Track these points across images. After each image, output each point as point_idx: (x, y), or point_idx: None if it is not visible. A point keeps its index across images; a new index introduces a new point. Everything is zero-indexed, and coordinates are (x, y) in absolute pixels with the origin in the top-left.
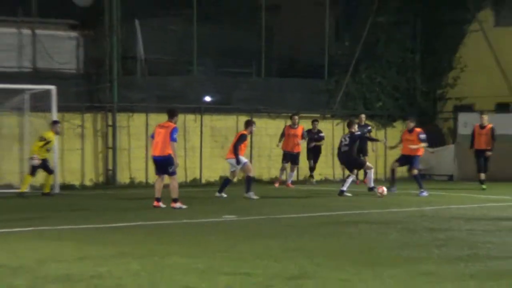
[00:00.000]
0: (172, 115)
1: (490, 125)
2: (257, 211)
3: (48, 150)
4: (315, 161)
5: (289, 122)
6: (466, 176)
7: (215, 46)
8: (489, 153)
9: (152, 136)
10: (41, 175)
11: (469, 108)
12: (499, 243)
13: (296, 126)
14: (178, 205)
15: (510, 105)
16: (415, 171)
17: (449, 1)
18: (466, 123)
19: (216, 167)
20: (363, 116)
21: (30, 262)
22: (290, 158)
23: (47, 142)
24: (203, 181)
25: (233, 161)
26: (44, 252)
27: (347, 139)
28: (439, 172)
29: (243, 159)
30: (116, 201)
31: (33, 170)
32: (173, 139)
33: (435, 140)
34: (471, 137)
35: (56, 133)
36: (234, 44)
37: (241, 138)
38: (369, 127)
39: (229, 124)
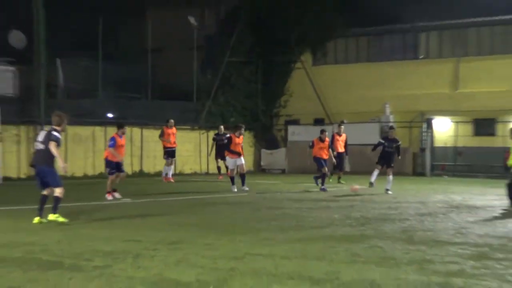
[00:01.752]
0: (117, 127)
1: (344, 134)
2: (147, 195)
3: None
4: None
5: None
6: (294, 170)
7: (115, 77)
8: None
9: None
10: None
11: (295, 122)
12: (317, 217)
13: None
14: (108, 196)
15: (324, 120)
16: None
17: (280, 47)
18: (293, 132)
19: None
20: (222, 126)
21: None
22: (172, 154)
23: None
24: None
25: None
26: None
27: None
28: (275, 167)
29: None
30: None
31: None
32: (109, 145)
33: (272, 144)
34: (330, 142)
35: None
36: (129, 75)
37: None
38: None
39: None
